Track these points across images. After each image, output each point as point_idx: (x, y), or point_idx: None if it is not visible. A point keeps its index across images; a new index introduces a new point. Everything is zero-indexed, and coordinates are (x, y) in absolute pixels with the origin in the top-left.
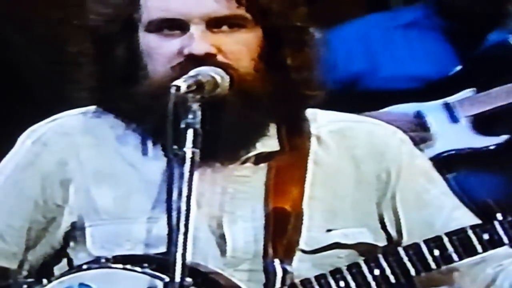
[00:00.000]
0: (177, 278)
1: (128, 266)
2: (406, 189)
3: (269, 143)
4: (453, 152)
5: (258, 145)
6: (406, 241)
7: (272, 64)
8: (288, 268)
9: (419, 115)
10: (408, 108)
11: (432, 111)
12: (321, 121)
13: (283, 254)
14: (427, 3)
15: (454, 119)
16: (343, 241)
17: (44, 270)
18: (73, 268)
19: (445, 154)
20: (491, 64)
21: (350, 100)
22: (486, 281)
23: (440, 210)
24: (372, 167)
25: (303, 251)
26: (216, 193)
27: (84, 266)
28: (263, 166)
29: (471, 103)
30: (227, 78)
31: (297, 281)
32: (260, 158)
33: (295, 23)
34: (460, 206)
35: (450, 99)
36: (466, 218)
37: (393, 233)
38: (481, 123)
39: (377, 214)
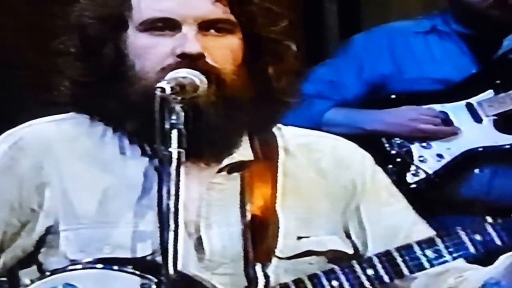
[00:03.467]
0: (169, 278)
1: (115, 267)
2: (370, 201)
3: (244, 152)
4: (478, 149)
5: (234, 152)
6: (371, 250)
7: (253, 70)
8: (268, 272)
9: (443, 112)
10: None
11: (456, 110)
12: (286, 135)
13: (263, 259)
14: (443, 12)
15: (477, 118)
16: (315, 249)
17: (12, 274)
18: (47, 271)
19: (470, 151)
20: (508, 67)
21: (379, 101)
22: None
23: (403, 223)
24: (338, 178)
25: (278, 258)
26: (193, 199)
27: (70, 267)
28: (236, 174)
29: (491, 104)
30: (204, 81)
31: (290, 281)
32: (234, 168)
33: (273, 36)
34: (420, 220)
35: (471, 100)
36: (427, 232)
37: (357, 242)
38: (503, 123)
39: (342, 223)
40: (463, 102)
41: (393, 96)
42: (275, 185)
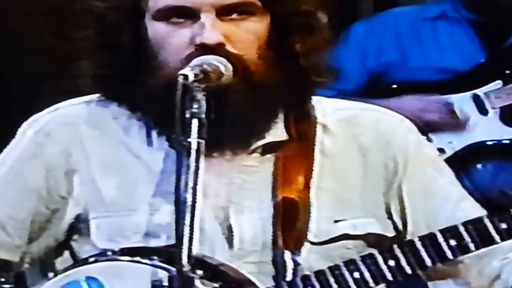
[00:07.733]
0: (184, 271)
1: (136, 259)
2: (413, 178)
3: (276, 132)
4: (483, 143)
5: (266, 134)
6: (411, 231)
7: (280, 51)
8: (298, 260)
9: (449, 104)
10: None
11: (462, 102)
12: (327, 109)
13: (293, 245)
14: None
15: (483, 110)
16: (352, 232)
17: (46, 263)
18: (78, 261)
19: (474, 145)
20: None
21: (379, 90)
22: (492, 274)
23: (447, 200)
24: (379, 156)
25: (312, 243)
26: (222, 184)
27: (91, 259)
28: (270, 156)
29: (499, 95)
30: (230, 67)
31: (310, 273)
32: (267, 148)
33: (304, 8)
34: (467, 197)
35: (478, 91)
36: (473, 209)
37: (398, 223)
38: (509, 115)
39: (384, 203)
40: (469, 93)
41: (394, 86)
42: (310, 166)
